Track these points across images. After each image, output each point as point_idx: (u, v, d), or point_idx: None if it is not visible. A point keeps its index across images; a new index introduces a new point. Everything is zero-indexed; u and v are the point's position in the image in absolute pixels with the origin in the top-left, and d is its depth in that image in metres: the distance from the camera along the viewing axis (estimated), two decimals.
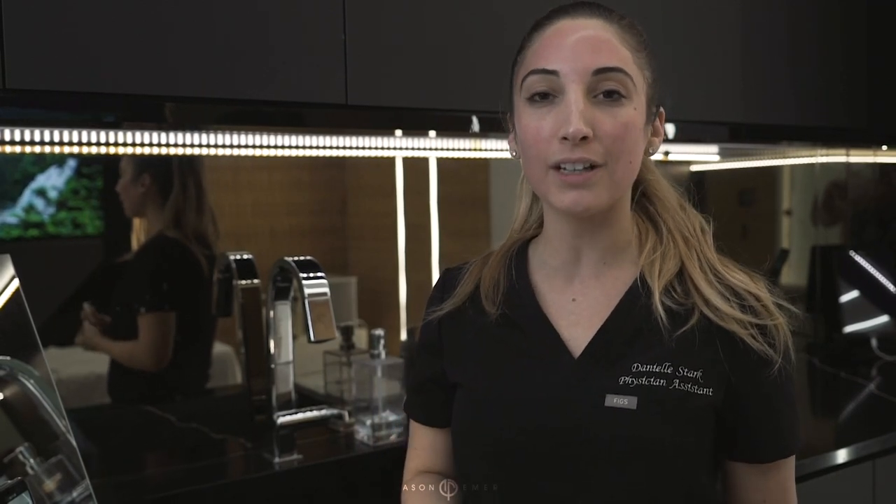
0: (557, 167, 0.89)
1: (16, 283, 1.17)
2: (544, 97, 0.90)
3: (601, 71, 0.87)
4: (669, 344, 0.90)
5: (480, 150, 1.93)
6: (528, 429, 0.92)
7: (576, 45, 0.88)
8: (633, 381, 0.90)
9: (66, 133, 1.40)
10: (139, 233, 1.61)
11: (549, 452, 0.91)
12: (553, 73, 0.88)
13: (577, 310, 0.96)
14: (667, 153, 2.18)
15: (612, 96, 0.88)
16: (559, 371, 0.93)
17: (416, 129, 1.66)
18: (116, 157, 1.55)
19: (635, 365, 0.90)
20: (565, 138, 0.87)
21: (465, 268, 1.06)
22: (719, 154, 2.37)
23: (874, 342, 2.38)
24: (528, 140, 0.91)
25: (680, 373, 0.89)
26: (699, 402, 0.89)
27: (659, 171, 1.03)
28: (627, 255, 0.97)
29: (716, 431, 0.92)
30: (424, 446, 1.08)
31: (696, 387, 0.89)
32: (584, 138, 0.86)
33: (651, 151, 0.97)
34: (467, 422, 0.99)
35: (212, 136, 1.55)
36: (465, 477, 1.00)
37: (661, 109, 0.97)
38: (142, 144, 1.51)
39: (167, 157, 1.59)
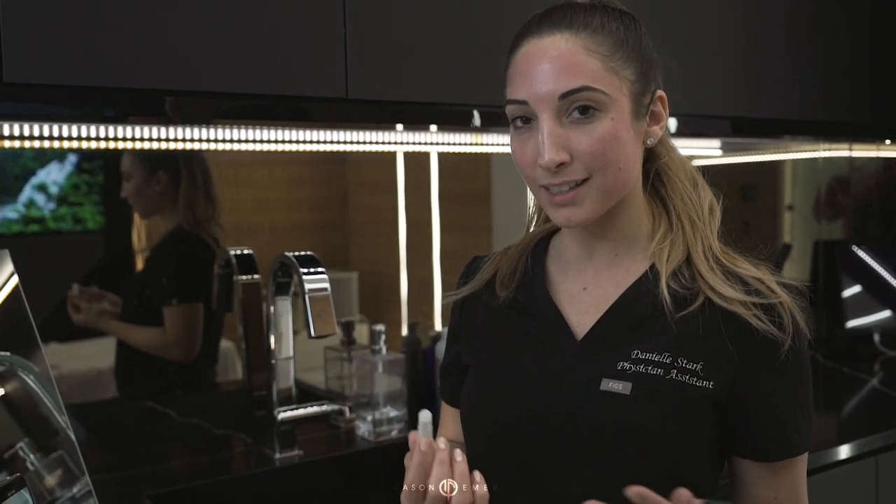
0: (546, 187, 0.91)
1: (15, 279, 1.16)
2: (525, 121, 0.92)
3: (567, 94, 0.88)
4: (673, 332, 0.90)
5: (482, 144, 1.92)
6: (526, 415, 0.93)
7: (540, 72, 0.89)
8: (631, 367, 0.90)
9: (65, 128, 1.39)
10: (140, 227, 1.60)
11: (547, 437, 0.92)
12: (524, 102, 0.90)
13: (587, 298, 0.97)
14: None
15: (587, 112, 0.88)
16: (561, 354, 0.94)
17: (417, 123, 1.66)
18: (117, 152, 1.54)
19: (635, 351, 0.91)
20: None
21: (490, 255, 1.09)
22: (721, 149, 2.36)
23: (877, 337, 2.38)
24: (518, 164, 0.94)
25: (679, 364, 0.90)
26: (695, 394, 0.89)
27: (676, 149, 1.01)
28: (641, 245, 0.98)
29: (719, 426, 0.92)
30: (449, 425, 1.10)
31: (694, 378, 0.89)
32: (562, 164, 0.88)
33: (649, 143, 0.96)
34: (469, 405, 1.01)
35: (212, 130, 1.55)
36: (473, 460, 1.00)
37: (660, 93, 0.95)
38: (142, 139, 1.50)
39: (173, 151, 1.59)
